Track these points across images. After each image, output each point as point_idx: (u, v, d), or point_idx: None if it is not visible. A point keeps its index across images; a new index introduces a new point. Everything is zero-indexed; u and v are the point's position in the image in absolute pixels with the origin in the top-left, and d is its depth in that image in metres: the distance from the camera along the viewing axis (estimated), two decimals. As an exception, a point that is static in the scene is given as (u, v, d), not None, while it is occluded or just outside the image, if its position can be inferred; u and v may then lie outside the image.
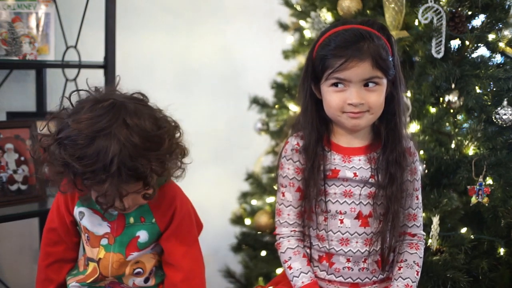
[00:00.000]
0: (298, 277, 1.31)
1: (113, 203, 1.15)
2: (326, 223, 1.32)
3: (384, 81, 1.26)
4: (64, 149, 1.10)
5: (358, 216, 1.31)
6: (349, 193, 1.31)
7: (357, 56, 1.21)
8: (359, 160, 1.32)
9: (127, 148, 1.08)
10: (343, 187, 1.31)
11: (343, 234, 1.31)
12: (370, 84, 1.24)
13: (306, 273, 1.31)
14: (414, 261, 1.33)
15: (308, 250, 1.36)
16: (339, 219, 1.31)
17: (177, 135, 1.23)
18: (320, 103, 1.31)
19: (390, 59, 1.26)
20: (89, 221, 1.30)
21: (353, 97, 1.24)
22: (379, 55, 1.23)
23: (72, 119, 1.12)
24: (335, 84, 1.25)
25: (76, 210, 1.31)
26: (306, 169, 1.32)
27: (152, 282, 1.36)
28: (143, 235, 1.30)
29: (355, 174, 1.30)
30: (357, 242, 1.31)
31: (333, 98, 1.26)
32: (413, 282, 1.30)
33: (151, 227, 1.30)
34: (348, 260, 1.32)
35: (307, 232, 1.36)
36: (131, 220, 1.30)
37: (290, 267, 1.33)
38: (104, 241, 1.30)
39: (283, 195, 1.36)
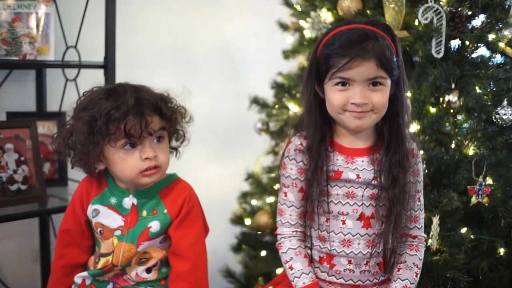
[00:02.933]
0: (299, 277, 1.31)
1: (141, 133, 1.27)
2: (328, 224, 1.32)
3: (388, 81, 1.26)
4: (87, 109, 1.28)
5: (361, 217, 1.30)
6: (352, 194, 1.30)
7: (361, 56, 1.21)
8: (362, 161, 1.32)
9: (140, 90, 1.31)
10: (345, 188, 1.31)
11: (345, 235, 1.31)
12: (374, 84, 1.24)
13: (307, 274, 1.31)
14: (413, 263, 1.33)
15: (309, 251, 1.36)
16: (341, 220, 1.31)
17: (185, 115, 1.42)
18: (323, 103, 1.30)
19: (395, 59, 1.25)
20: (104, 217, 1.36)
21: (356, 96, 1.23)
22: (384, 55, 1.22)
23: (85, 93, 1.35)
24: (339, 84, 1.25)
25: (90, 208, 1.37)
26: (309, 169, 1.31)
27: (154, 275, 1.39)
28: (155, 225, 1.35)
29: (358, 175, 1.30)
30: (359, 243, 1.31)
31: (336, 96, 1.26)
32: (411, 283, 1.30)
33: (163, 217, 1.35)
34: (350, 262, 1.32)
35: (308, 233, 1.36)
36: (144, 213, 1.36)
37: (291, 268, 1.33)
38: (117, 233, 1.36)
39: (285, 195, 1.36)
